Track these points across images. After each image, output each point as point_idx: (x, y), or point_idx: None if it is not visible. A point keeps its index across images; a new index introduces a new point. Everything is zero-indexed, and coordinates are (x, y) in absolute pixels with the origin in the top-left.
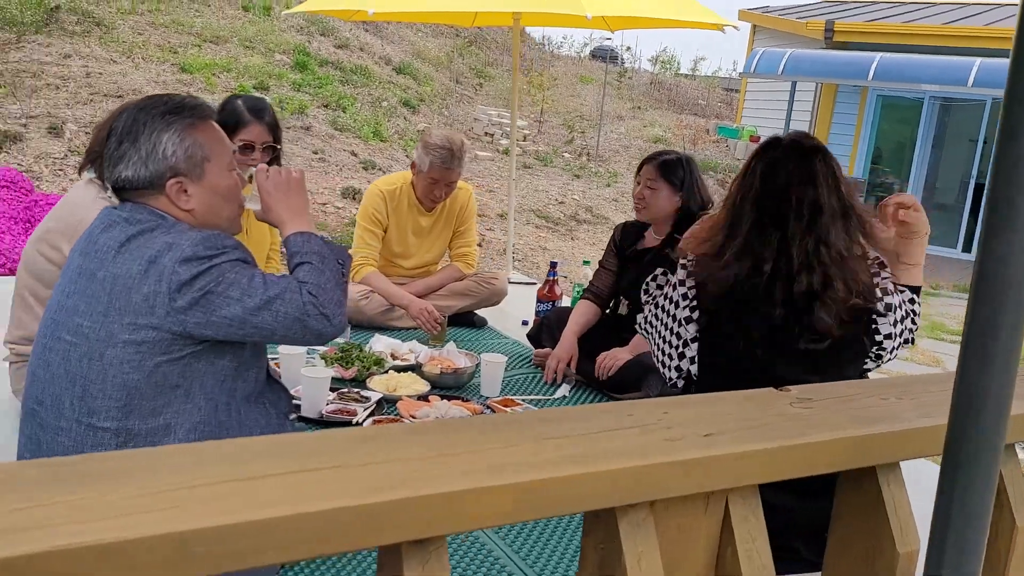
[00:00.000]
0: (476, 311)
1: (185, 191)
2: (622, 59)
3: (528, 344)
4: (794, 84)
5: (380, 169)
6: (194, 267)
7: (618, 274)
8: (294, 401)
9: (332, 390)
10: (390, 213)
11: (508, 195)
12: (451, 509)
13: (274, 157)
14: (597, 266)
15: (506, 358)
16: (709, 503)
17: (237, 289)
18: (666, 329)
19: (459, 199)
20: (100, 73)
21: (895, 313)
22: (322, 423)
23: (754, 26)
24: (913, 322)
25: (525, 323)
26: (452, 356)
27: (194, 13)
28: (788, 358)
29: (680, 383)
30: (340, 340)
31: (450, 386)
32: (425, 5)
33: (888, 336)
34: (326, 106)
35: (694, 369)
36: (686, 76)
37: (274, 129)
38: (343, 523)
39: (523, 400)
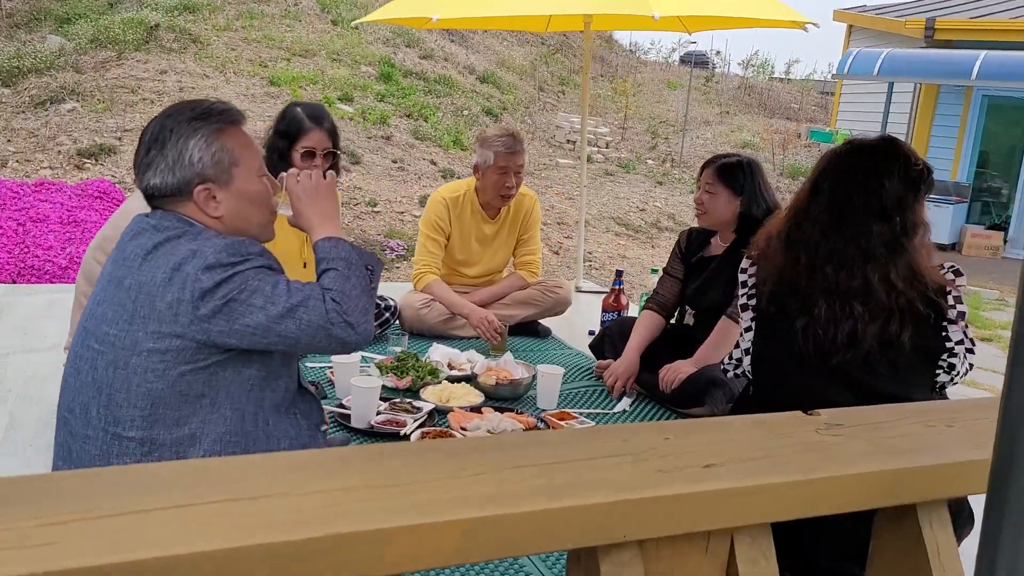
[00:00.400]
0: (540, 320)
1: (214, 197)
2: (713, 64)
3: (592, 355)
4: (891, 85)
5: (459, 177)
6: (217, 274)
7: (683, 282)
8: (344, 411)
9: (385, 400)
10: (453, 220)
11: (580, 202)
12: (369, 550)
13: (333, 163)
14: (662, 273)
15: (563, 370)
16: (710, 543)
17: (260, 297)
18: (737, 316)
19: (523, 206)
20: (193, 88)
21: (963, 324)
22: (371, 434)
23: (849, 26)
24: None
25: (592, 333)
26: (509, 367)
27: (285, 28)
28: (833, 362)
29: (736, 374)
30: (397, 349)
31: (506, 397)
32: (492, 10)
33: (960, 342)
34: (408, 116)
35: (747, 362)
36: (780, 80)
37: (333, 135)
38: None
39: (580, 413)
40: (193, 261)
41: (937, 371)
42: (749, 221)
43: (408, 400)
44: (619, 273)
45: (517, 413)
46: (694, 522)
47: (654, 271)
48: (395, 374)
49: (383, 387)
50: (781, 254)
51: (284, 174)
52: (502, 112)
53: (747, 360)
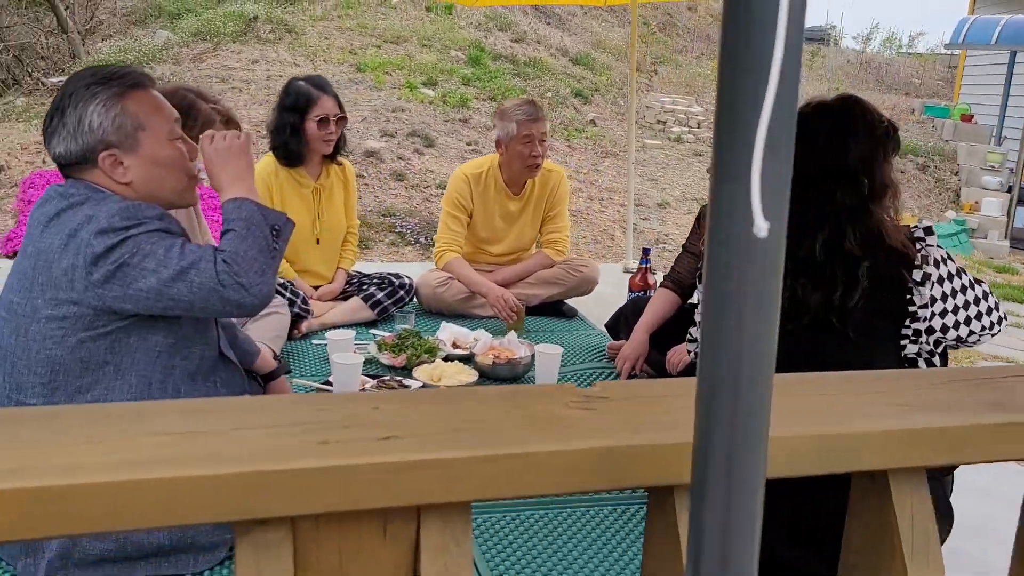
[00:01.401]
0: (566, 300)
1: (121, 163)
2: (835, 39)
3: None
4: (1012, 55)
5: None
6: (109, 239)
7: (701, 258)
8: (327, 388)
9: (375, 377)
10: (475, 197)
11: (629, 182)
12: None
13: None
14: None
15: (561, 349)
16: (389, 524)
17: (152, 260)
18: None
19: (550, 181)
20: (280, 75)
21: (940, 286)
22: None
23: None
24: (990, 312)
25: None
26: (513, 346)
27: (380, 16)
28: (802, 323)
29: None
30: (402, 327)
31: (503, 377)
32: None
33: (931, 301)
34: (492, 99)
35: None
36: (907, 54)
37: (338, 101)
38: None
39: None
40: (88, 227)
41: (903, 340)
42: None
43: (399, 378)
44: (646, 252)
45: None
46: (354, 500)
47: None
48: (391, 352)
49: (379, 364)
50: None
51: (202, 136)
52: (593, 93)
53: None
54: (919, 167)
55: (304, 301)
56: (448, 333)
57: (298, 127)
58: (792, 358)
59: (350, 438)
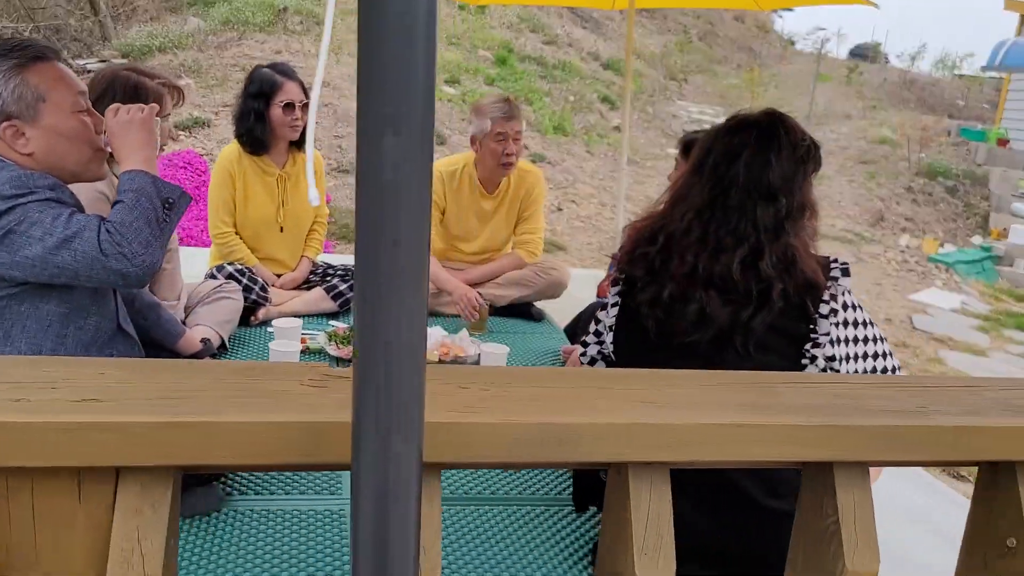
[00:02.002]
0: (536, 303)
1: (22, 134)
2: (885, 57)
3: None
4: None
5: (549, 162)
6: None
7: None
8: None
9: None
10: (448, 194)
11: (620, 184)
12: None
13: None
14: None
15: (508, 349)
16: (83, 483)
17: (39, 228)
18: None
19: (525, 182)
20: (300, 67)
21: (844, 330)
22: None
23: (1023, 16)
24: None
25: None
26: (463, 344)
27: None
28: (678, 342)
29: (599, 353)
30: None
31: None
32: None
33: (835, 342)
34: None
35: (610, 339)
36: (956, 75)
37: (302, 86)
38: None
39: None
40: None
41: (803, 359)
42: None
43: (338, 370)
44: (614, 257)
45: None
46: (46, 457)
47: None
48: (338, 343)
49: (327, 355)
50: (649, 231)
51: (108, 109)
52: (622, 99)
53: (610, 336)
54: (948, 190)
55: (263, 288)
56: None
57: (263, 113)
58: (699, 368)
59: (52, 398)
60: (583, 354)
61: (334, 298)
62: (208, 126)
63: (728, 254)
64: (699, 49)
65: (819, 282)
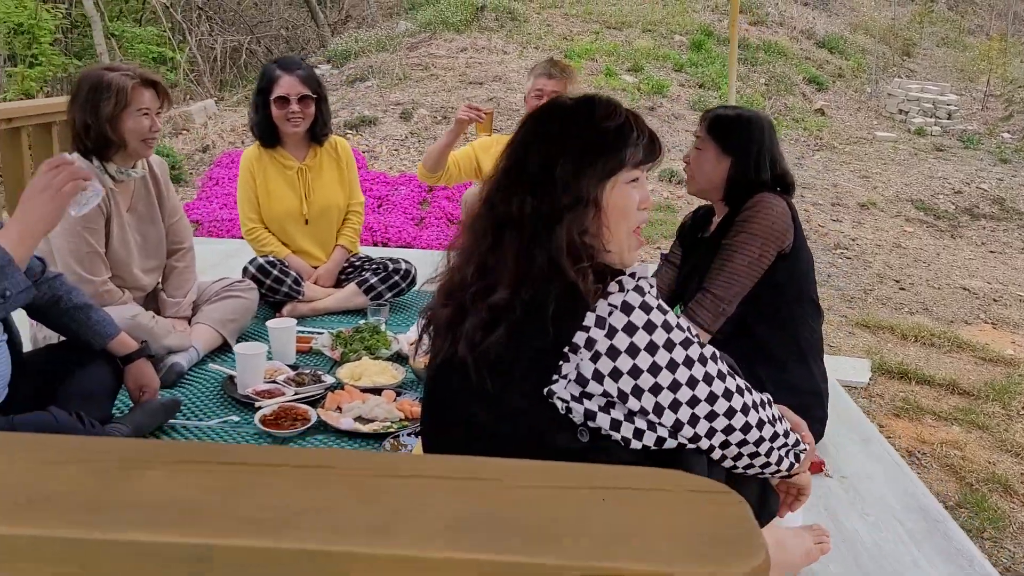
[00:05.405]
0: None
1: None
2: None
3: None
4: None
5: None
6: None
7: (680, 268)
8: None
9: (294, 368)
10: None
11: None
12: None
13: (319, 109)
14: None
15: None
16: None
17: None
18: None
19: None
20: (479, 63)
21: (609, 361)
22: (245, 403)
23: None
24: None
25: None
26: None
27: (609, 3)
28: (439, 360)
29: None
30: (375, 318)
31: None
32: None
33: (584, 386)
34: (700, 86)
35: None
36: None
37: (309, 81)
38: None
39: None
40: None
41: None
42: (741, 190)
43: (319, 372)
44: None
45: (413, 400)
46: None
47: None
48: (333, 346)
49: (325, 356)
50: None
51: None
52: (836, 79)
53: None
54: None
55: (296, 281)
56: (415, 332)
57: (265, 108)
58: (462, 384)
59: None
60: None
61: (366, 292)
62: (375, 124)
63: (473, 261)
64: (946, 18)
65: (584, 304)
